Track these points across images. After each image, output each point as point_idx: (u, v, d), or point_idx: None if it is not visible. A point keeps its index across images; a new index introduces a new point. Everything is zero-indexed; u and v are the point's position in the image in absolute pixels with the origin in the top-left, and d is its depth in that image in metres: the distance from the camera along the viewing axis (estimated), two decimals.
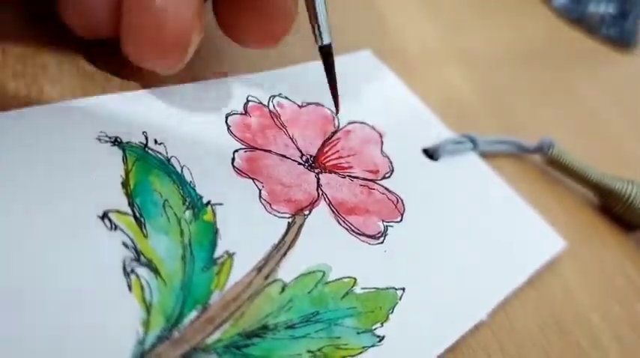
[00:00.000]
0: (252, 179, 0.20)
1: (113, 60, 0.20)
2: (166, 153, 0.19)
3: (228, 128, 0.21)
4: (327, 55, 0.22)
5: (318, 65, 0.22)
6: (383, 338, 0.18)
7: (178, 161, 0.19)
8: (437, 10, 0.39)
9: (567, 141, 0.31)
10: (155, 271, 0.16)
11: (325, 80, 0.23)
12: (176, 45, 0.18)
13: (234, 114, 0.21)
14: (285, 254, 0.19)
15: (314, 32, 0.21)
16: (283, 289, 0.18)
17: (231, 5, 0.20)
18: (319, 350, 0.17)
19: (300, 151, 0.22)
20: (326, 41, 0.22)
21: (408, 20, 0.36)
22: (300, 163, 0.22)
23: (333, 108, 0.24)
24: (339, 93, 0.23)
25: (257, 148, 0.21)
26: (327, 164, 0.22)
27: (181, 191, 0.18)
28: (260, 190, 0.20)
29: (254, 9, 0.20)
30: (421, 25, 0.36)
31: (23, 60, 0.19)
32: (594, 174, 0.29)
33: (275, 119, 0.22)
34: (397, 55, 0.32)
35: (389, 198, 0.22)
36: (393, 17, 0.35)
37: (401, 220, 0.22)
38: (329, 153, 0.23)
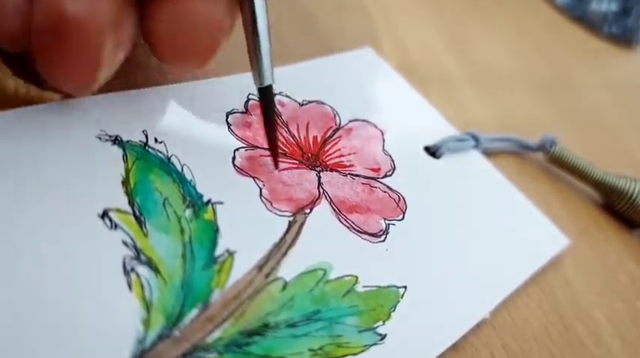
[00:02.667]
0: (253, 177, 0.20)
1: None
2: (167, 151, 0.19)
3: (229, 126, 0.21)
4: (265, 96, 0.20)
5: (319, 63, 0.22)
6: (385, 336, 0.18)
7: (179, 160, 0.19)
8: (437, 7, 0.39)
9: (569, 138, 0.31)
10: (155, 270, 0.16)
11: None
12: (82, 57, 0.16)
13: (234, 112, 0.21)
14: (286, 252, 0.18)
15: (253, 71, 0.19)
16: (284, 287, 0.18)
17: (152, 13, 0.17)
18: (320, 348, 0.17)
19: (301, 149, 0.22)
20: (267, 82, 0.20)
21: (409, 18, 0.36)
22: (301, 161, 0.21)
23: (335, 107, 0.24)
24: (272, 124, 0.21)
25: (258, 147, 0.21)
26: (328, 162, 0.22)
27: (181, 190, 0.18)
28: (261, 189, 0.20)
29: (175, 21, 0.17)
30: (422, 22, 0.36)
31: (23, 59, 0.19)
32: (597, 172, 0.29)
33: (276, 117, 0.22)
34: (397, 53, 0.32)
35: (390, 196, 0.22)
36: (394, 15, 0.35)
37: (402, 218, 0.22)
38: (330, 151, 0.23)
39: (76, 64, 0.16)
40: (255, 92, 0.22)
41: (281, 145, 0.22)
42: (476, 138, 0.27)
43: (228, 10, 0.18)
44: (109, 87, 0.19)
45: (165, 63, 0.19)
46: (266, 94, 0.20)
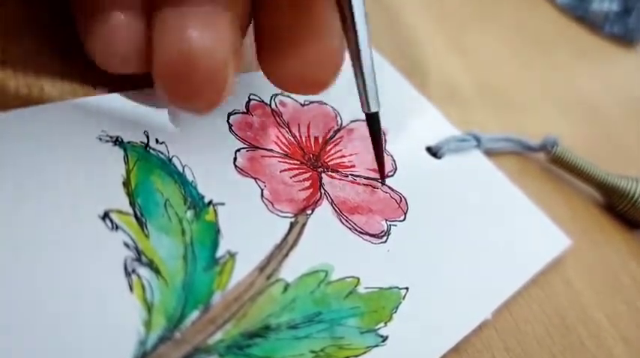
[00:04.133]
0: (254, 178, 0.20)
1: None
2: (168, 152, 0.19)
3: (230, 127, 0.21)
4: (373, 122, 0.21)
5: None
6: (386, 338, 0.18)
7: (180, 160, 0.19)
8: (438, 6, 0.39)
9: (571, 139, 0.31)
10: (156, 271, 0.16)
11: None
12: (210, 85, 0.17)
13: (235, 113, 0.21)
14: (287, 254, 0.18)
15: (361, 98, 0.20)
16: (285, 289, 0.18)
17: (274, 52, 0.19)
18: (322, 350, 0.17)
19: (303, 150, 0.22)
20: (373, 109, 0.20)
21: (410, 18, 0.36)
22: (302, 162, 0.21)
23: (337, 107, 0.24)
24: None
25: (259, 147, 0.21)
26: (329, 163, 0.22)
27: (183, 191, 0.18)
28: (262, 190, 0.20)
29: (297, 56, 0.19)
30: (422, 22, 0.36)
31: (24, 59, 0.19)
32: (598, 173, 0.29)
33: (277, 118, 0.22)
34: (398, 53, 0.32)
35: (392, 197, 0.22)
36: (395, 15, 0.35)
37: (404, 219, 0.22)
38: (331, 151, 0.23)
39: (201, 94, 0.17)
40: (256, 92, 0.22)
41: (282, 146, 0.21)
42: (477, 139, 0.26)
43: (342, 40, 0.19)
44: (110, 87, 0.19)
45: (289, 92, 0.21)
46: (373, 120, 0.21)
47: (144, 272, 0.16)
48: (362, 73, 0.19)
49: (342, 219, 0.20)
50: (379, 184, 0.22)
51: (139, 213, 0.17)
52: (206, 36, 0.17)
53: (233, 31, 0.18)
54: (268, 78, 0.20)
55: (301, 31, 0.18)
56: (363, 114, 0.24)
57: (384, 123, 0.24)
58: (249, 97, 0.22)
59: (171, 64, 0.17)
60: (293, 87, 0.20)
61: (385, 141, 0.24)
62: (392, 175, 0.23)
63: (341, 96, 0.24)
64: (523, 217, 0.25)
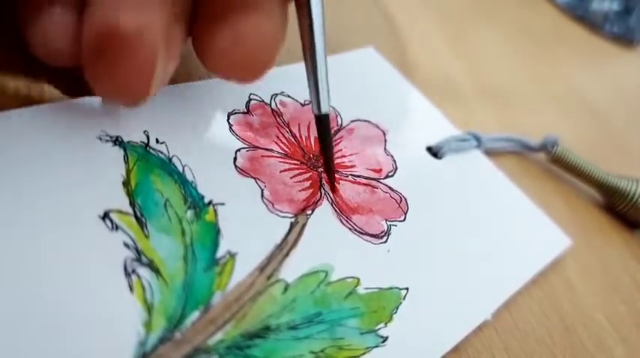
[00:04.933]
0: (255, 178, 0.20)
1: None
2: (168, 152, 0.19)
3: (230, 127, 0.21)
4: (323, 123, 0.20)
5: None
6: (386, 338, 0.18)
7: (180, 160, 0.19)
8: (438, 7, 0.39)
9: (571, 139, 0.31)
10: (156, 271, 0.16)
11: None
12: (137, 71, 0.16)
13: (236, 113, 0.21)
14: (287, 254, 0.18)
15: (312, 98, 0.20)
16: (286, 289, 0.18)
17: (205, 27, 0.18)
18: (322, 350, 0.17)
19: (303, 150, 0.22)
20: (324, 110, 0.20)
21: (410, 18, 0.36)
22: (302, 162, 0.21)
23: (337, 107, 0.24)
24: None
25: (259, 147, 0.21)
26: None
27: (183, 191, 0.18)
28: (262, 190, 0.20)
29: (227, 29, 0.17)
30: (423, 22, 0.36)
31: (24, 59, 0.19)
32: (598, 173, 0.29)
33: (277, 117, 0.22)
34: (399, 53, 0.32)
35: (392, 197, 0.22)
36: (395, 16, 0.35)
37: (404, 219, 0.22)
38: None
39: (129, 79, 0.16)
40: (257, 92, 0.22)
41: (282, 146, 0.21)
42: (478, 139, 0.26)
43: (281, 24, 0.18)
44: None
45: (219, 76, 0.19)
46: (323, 122, 0.20)
47: (144, 272, 0.16)
48: (314, 71, 0.19)
49: (342, 220, 0.20)
50: (379, 184, 0.22)
51: (139, 213, 0.17)
52: (131, 19, 0.16)
53: (167, 17, 0.17)
54: (199, 58, 0.18)
55: (234, 2, 0.17)
56: (363, 115, 0.24)
57: (384, 123, 0.25)
58: (249, 97, 0.22)
59: (95, 48, 0.16)
60: (222, 67, 0.18)
61: (385, 140, 0.24)
62: (392, 175, 0.23)
63: (341, 96, 0.24)
64: (523, 217, 0.25)
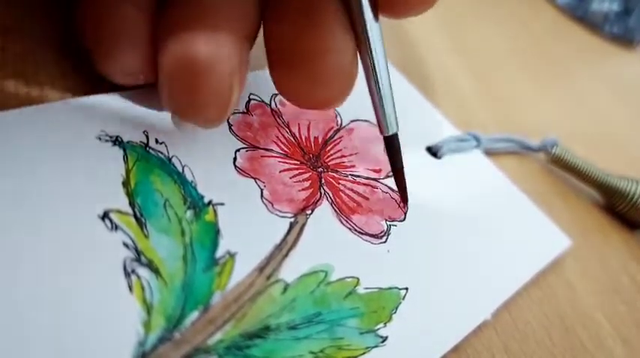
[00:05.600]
0: (254, 178, 0.20)
1: None
2: (167, 152, 0.19)
3: (230, 127, 0.21)
4: (391, 144, 0.21)
5: None
6: (386, 338, 0.18)
7: (179, 160, 0.19)
8: (438, 5, 0.38)
9: (571, 139, 0.31)
10: (156, 271, 0.16)
11: None
12: (215, 100, 0.17)
13: (235, 112, 0.21)
14: (287, 254, 0.18)
15: (378, 120, 0.20)
16: (285, 289, 0.18)
17: (287, 71, 0.19)
18: (322, 351, 0.17)
19: (303, 150, 0.22)
20: (392, 131, 0.20)
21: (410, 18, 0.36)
22: (302, 162, 0.21)
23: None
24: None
25: (258, 147, 0.21)
26: (329, 163, 0.22)
27: (182, 191, 0.18)
28: (262, 190, 0.20)
29: (310, 74, 0.19)
30: (423, 21, 0.36)
31: (23, 58, 0.19)
32: (598, 174, 0.29)
33: (277, 117, 0.22)
34: (398, 52, 0.32)
35: (392, 197, 0.22)
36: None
37: (404, 219, 0.22)
38: (331, 151, 0.23)
39: (208, 108, 0.18)
40: (256, 91, 0.22)
41: (282, 146, 0.21)
42: (477, 139, 0.26)
43: (354, 55, 0.19)
44: (108, 86, 0.19)
45: (304, 108, 0.20)
46: (392, 142, 0.21)
47: (143, 272, 0.16)
48: (380, 96, 0.20)
49: (342, 220, 0.20)
50: (379, 184, 0.22)
51: (138, 213, 0.17)
52: (211, 50, 0.17)
53: (238, 44, 0.18)
54: (280, 94, 0.20)
55: (310, 44, 0.18)
56: (363, 114, 0.24)
57: None
58: (249, 97, 0.22)
59: (177, 80, 0.17)
60: (304, 103, 0.20)
61: None
62: (392, 175, 0.23)
63: None
64: (523, 217, 0.25)
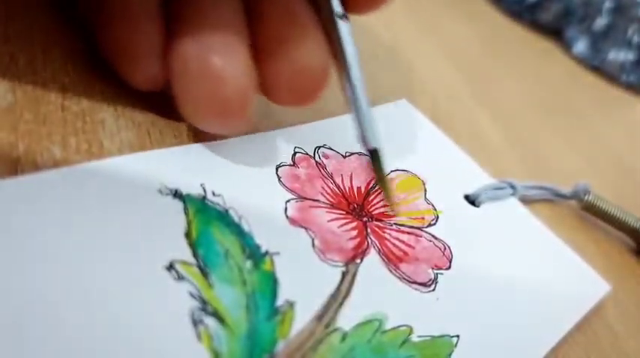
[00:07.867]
0: (305, 228, 0.20)
1: (167, 114, 0.21)
2: (224, 204, 0.19)
3: (279, 179, 0.21)
4: (374, 158, 0.22)
5: None
6: None
7: (236, 211, 0.19)
8: (458, 56, 0.40)
9: (598, 186, 0.32)
10: (221, 321, 0.16)
11: None
12: (238, 105, 0.19)
13: (283, 165, 0.22)
14: (342, 303, 0.19)
15: (358, 136, 0.22)
16: (344, 338, 0.18)
17: (261, 63, 0.20)
18: None
19: (347, 200, 0.22)
20: (371, 145, 0.22)
21: (435, 69, 0.37)
22: (347, 212, 0.22)
23: None
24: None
25: (306, 198, 0.21)
26: (373, 212, 0.22)
27: (241, 241, 0.18)
28: (313, 239, 0.20)
29: (284, 68, 0.20)
30: (447, 73, 0.37)
31: (82, 116, 0.20)
32: (631, 219, 0.30)
33: (321, 169, 0.23)
34: (425, 102, 0.32)
35: (436, 246, 0.23)
36: (420, 67, 0.36)
37: (449, 267, 0.22)
38: (374, 201, 0.23)
39: (232, 117, 0.19)
40: (301, 145, 0.23)
41: (328, 196, 0.22)
42: (513, 186, 0.27)
43: (326, 49, 0.21)
44: (165, 138, 0.20)
45: (282, 105, 0.22)
46: (374, 155, 0.22)
47: (210, 321, 0.16)
48: (357, 108, 0.21)
49: (391, 268, 0.21)
50: (423, 233, 0.23)
51: (202, 264, 0.17)
52: (231, 64, 0.18)
53: (244, 44, 0.19)
54: (261, 91, 0.21)
55: (289, 40, 0.20)
56: (403, 164, 0.25)
57: (422, 173, 0.25)
58: (294, 150, 0.23)
59: (198, 90, 0.19)
60: (285, 97, 0.21)
61: (425, 190, 0.25)
62: (434, 223, 0.23)
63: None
64: (562, 263, 0.25)
